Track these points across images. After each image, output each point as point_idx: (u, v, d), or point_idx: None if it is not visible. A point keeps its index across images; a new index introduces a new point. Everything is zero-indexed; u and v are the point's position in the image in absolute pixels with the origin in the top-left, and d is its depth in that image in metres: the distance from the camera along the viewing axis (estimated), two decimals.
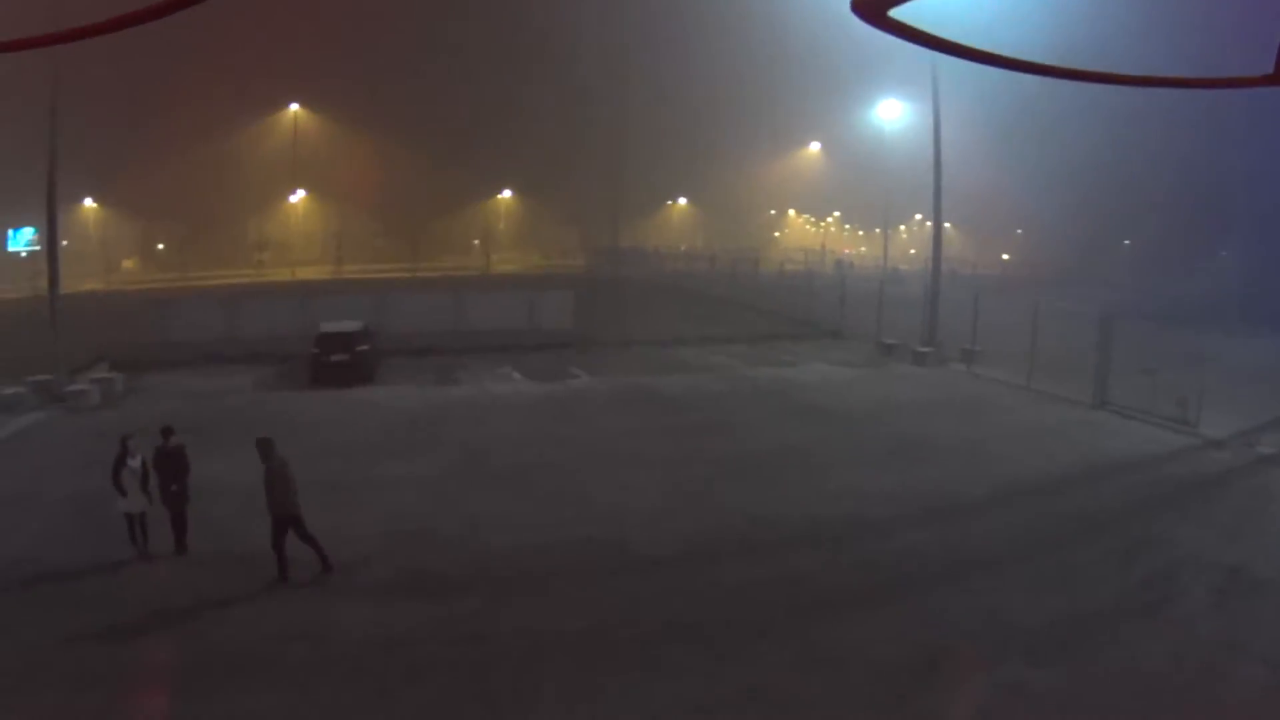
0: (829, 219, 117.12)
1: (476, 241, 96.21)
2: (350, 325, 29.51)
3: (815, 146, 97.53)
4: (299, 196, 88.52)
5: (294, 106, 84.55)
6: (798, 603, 12.84)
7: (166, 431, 14.42)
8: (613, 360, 32.42)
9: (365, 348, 28.99)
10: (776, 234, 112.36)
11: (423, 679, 10.73)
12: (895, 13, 3.64)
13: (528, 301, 37.27)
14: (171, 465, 14.14)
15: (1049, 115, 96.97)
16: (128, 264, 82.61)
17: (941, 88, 33.62)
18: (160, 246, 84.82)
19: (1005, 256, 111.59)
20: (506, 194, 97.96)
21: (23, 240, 70.19)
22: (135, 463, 13.95)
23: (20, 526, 15.56)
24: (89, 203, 78.77)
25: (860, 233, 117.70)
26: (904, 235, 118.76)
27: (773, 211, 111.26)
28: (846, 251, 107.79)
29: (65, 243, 77.03)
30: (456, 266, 79.43)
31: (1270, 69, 4.01)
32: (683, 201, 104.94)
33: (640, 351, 34.31)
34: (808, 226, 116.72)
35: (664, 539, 15.20)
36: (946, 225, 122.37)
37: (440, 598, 12.92)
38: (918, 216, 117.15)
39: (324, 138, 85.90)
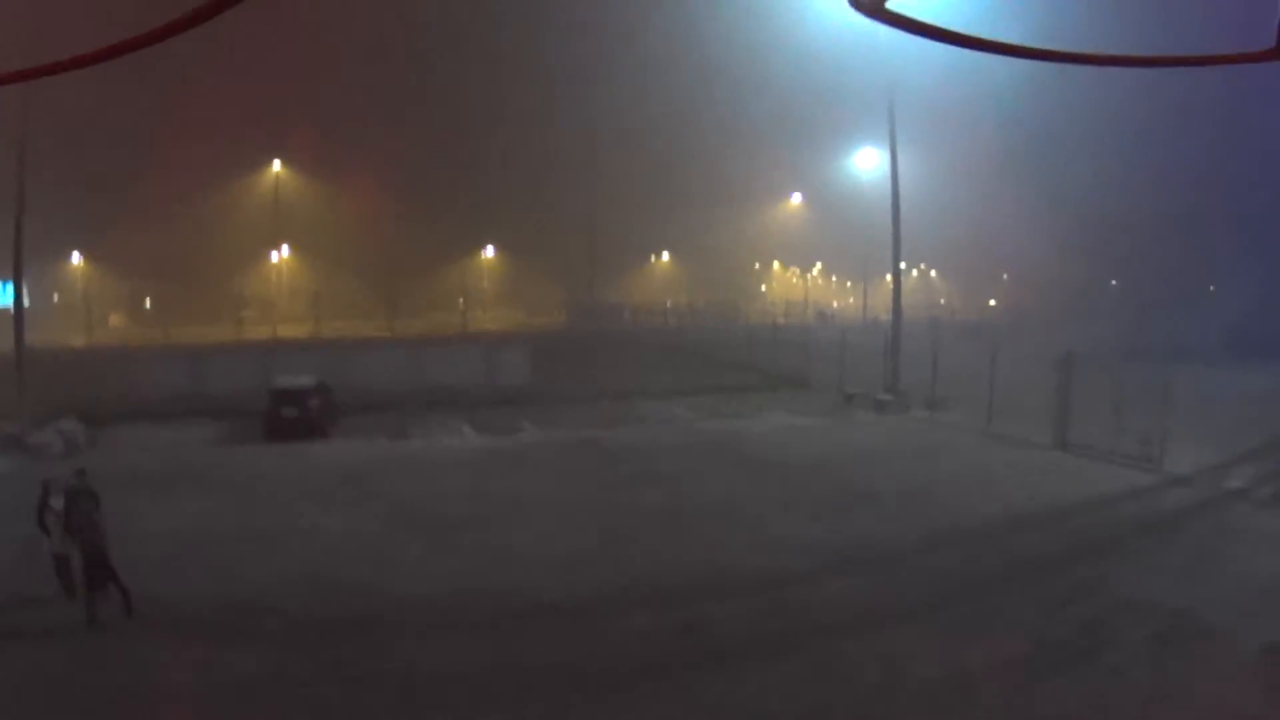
0: (814, 270, 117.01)
1: (461, 300, 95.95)
2: (304, 381, 29.46)
3: (797, 198, 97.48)
4: (284, 254, 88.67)
5: (276, 165, 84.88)
6: (693, 652, 12.20)
7: (79, 473, 14.45)
8: (568, 414, 31.80)
9: (317, 403, 28.83)
10: (764, 287, 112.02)
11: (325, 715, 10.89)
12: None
13: (485, 357, 36.54)
14: (83, 504, 13.96)
15: (1033, 156, 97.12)
16: (114, 320, 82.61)
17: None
18: (148, 303, 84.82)
19: (991, 302, 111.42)
20: (489, 252, 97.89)
21: (7, 295, 68.83)
22: (58, 504, 13.91)
23: None
24: (76, 259, 79.68)
25: (849, 283, 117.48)
26: (890, 284, 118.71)
27: (757, 265, 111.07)
28: (834, 304, 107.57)
29: (56, 297, 78.40)
30: (436, 325, 78.84)
31: (1271, 43, 3.79)
32: (665, 257, 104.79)
33: (599, 405, 33.68)
34: (794, 279, 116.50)
35: (574, 588, 14.68)
36: (932, 273, 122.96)
37: (331, 643, 12.71)
38: (902, 264, 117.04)
39: (306, 196, 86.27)
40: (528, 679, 11.51)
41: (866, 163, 72.41)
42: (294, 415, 28.16)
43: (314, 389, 29.33)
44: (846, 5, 3.53)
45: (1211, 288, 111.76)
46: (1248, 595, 13.66)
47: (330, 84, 79.40)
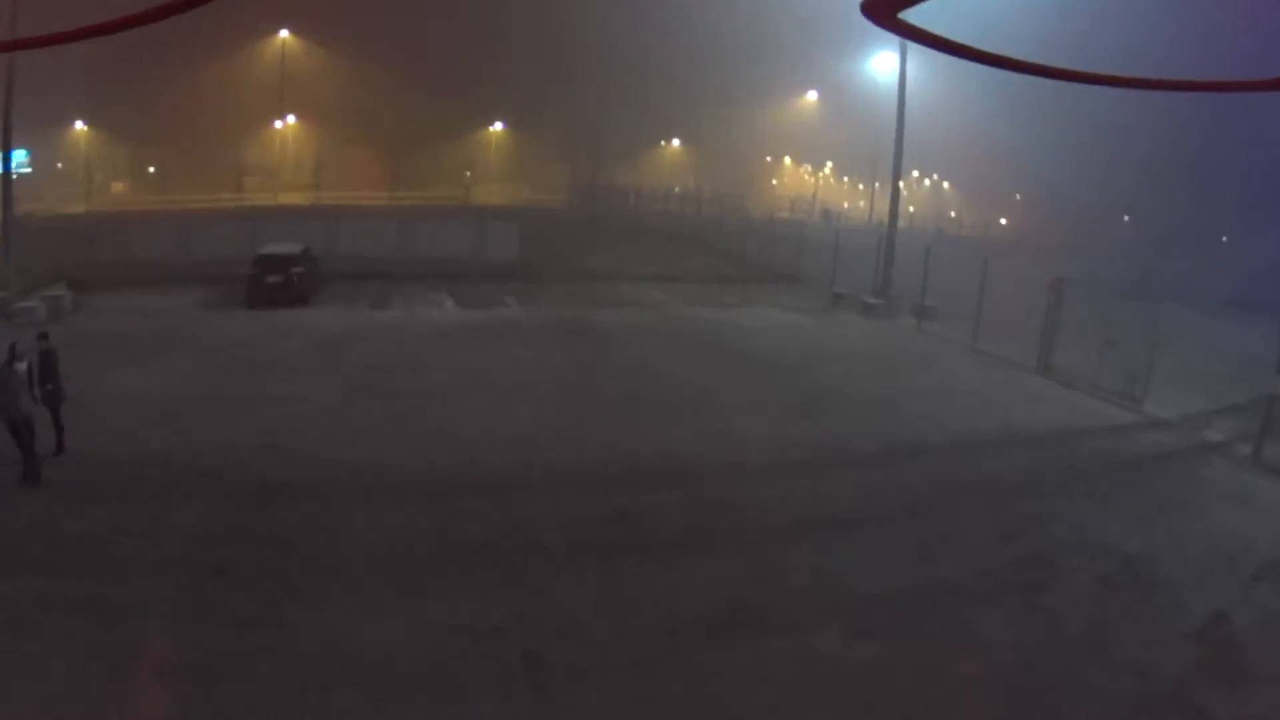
0: (825, 169, 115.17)
1: (468, 173, 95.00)
2: (288, 248, 29.43)
3: (813, 95, 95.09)
4: (289, 122, 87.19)
5: (284, 33, 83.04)
6: (622, 540, 12.02)
7: (42, 336, 15.01)
8: (553, 292, 31.36)
9: (300, 270, 28.70)
10: (774, 181, 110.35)
11: (226, 576, 10.80)
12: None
13: (475, 231, 35.90)
14: (46, 366, 14.49)
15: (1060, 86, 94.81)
16: (118, 187, 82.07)
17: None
18: (151, 170, 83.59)
19: (1002, 221, 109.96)
20: (498, 126, 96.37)
21: (15, 162, 67.96)
22: (21, 366, 14.00)
23: None
24: (80, 125, 77.79)
25: (860, 185, 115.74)
26: (903, 191, 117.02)
27: (769, 158, 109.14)
28: (845, 205, 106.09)
29: (60, 165, 77.48)
30: (439, 196, 77.81)
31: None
32: (676, 143, 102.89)
33: (586, 285, 33.21)
34: (806, 176, 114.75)
35: (518, 466, 14.60)
36: (944, 184, 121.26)
37: (260, 508, 12.78)
38: (914, 173, 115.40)
39: (314, 65, 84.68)
40: (442, 553, 11.42)
41: (884, 66, 70.62)
42: (276, 282, 28.15)
43: (298, 256, 29.26)
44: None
45: (1224, 237, 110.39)
46: (1206, 553, 12.93)
47: None
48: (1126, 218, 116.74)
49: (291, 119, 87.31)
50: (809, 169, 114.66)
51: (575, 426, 16.77)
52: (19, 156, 71.46)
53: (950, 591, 11.06)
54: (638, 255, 41.26)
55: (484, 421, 16.79)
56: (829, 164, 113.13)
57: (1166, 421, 20.43)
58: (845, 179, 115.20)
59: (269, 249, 29.20)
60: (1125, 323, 22.20)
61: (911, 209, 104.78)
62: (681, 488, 13.87)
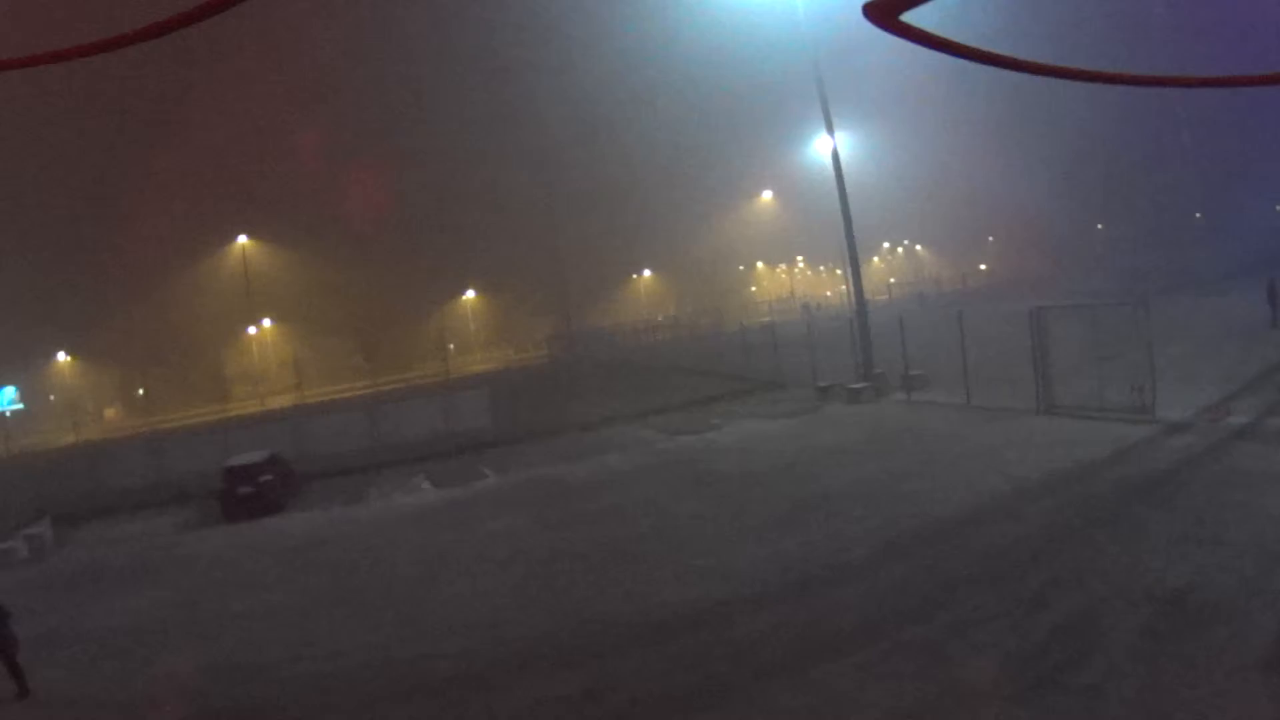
0: (797, 264, 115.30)
1: (451, 346, 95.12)
2: (255, 456, 28.97)
3: (768, 195, 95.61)
4: (264, 325, 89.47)
5: (242, 239, 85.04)
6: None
7: None
8: (532, 453, 30.15)
9: (269, 477, 28.13)
10: (753, 288, 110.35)
11: None
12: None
13: (442, 406, 35.05)
14: None
15: (1007, 117, 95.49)
16: (110, 413, 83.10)
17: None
18: (140, 391, 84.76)
19: (982, 267, 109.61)
20: (470, 294, 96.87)
21: (5, 399, 69.41)
22: None
23: None
24: (62, 357, 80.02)
25: (838, 271, 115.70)
26: (879, 265, 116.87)
27: (741, 267, 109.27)
28: (828, 293, 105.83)
29: (52, 397, 78.10)
30: (424, 374, 77.39)
31: None
32: (647, 273, 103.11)
33: (565, 439, 32.13)
34: (782, 275, 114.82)
35: (477, 654, 13.18)
36: (917, 248, 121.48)
37: None
38: (885, 245, 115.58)
39: (278, 264, 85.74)
40: None
41: (826, 147, 70.82)
42: (248, 492, 27.53)
43: (265, 463, 28.67)
44: (861, 17, 3.48)
45: (1198, 214, 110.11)
46: (1258, 559, 11.59)
47: (289, 146, 79.03)
48: (1100, 225, 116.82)
49: (267, 322, 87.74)
50: (784, 267, 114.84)
51: (539, 594, 15.39)
52: (8, 394, 72.74)
53: (971, 699, 9.45)
54: (618, 395, 40.37)
55: (445, 609, 15.53)
56: (800, 259, 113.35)
57: (1184, 423, 19.44)
58: (822, 269, 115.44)
59: (236, 460, 28.78)
60: (1119, 330, 21.21)
61: (892, 280, 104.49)
62: (653, 644, 12.28)
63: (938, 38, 3.63)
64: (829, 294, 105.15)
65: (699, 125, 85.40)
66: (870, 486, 18.89)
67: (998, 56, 3.81)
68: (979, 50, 3.78)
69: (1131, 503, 15.15)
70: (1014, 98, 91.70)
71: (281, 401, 74.34)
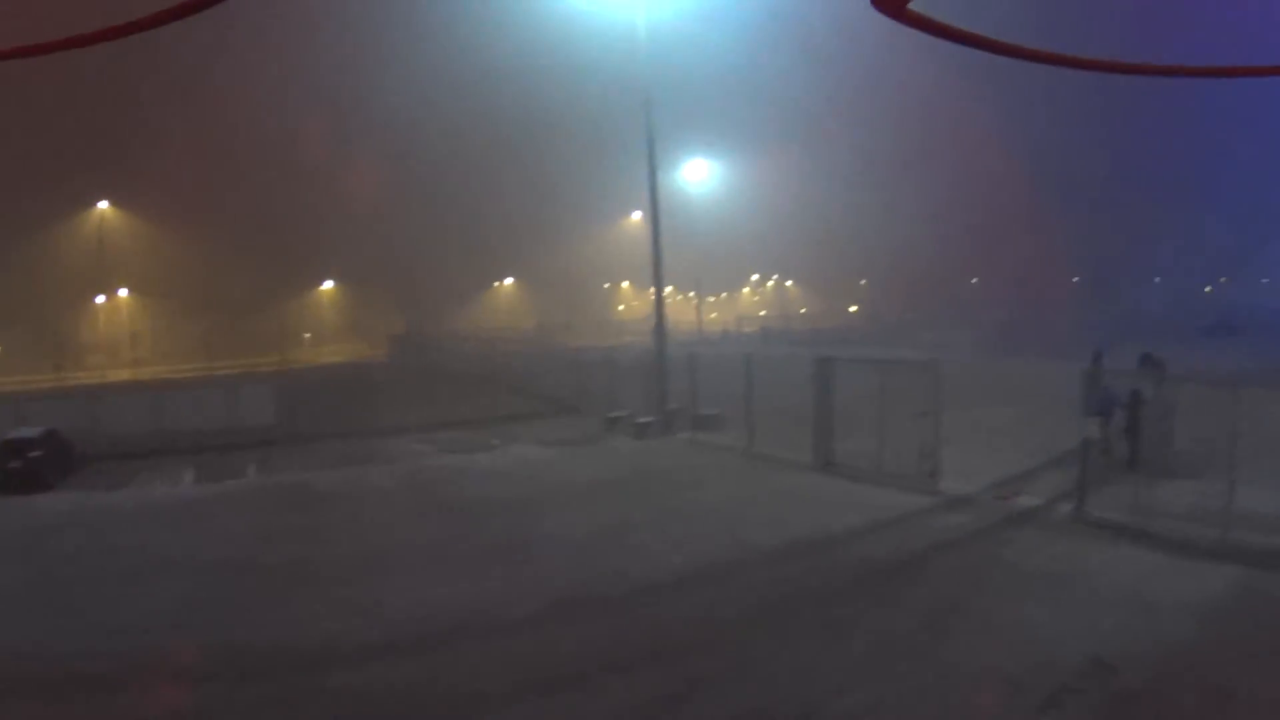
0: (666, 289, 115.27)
1: (307, 335, 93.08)
2: (31, 431, 28.58)
3: (637, 215, 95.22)
4: (119, 296, 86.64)
5: (103, 204, 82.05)
6: None
7: None
8: (306, 455, 29.19)
9: (40, 454, 27.59)
10: (621, 307, 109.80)
11: None
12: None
13: (226, 398, 33.70)
14: None
15: (895, 160, 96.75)
16: None
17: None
18: None
19: (853, 309, 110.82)
20: (328, 285, 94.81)
21: None
22: None
23: None
24: None
25: (712, 299, 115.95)
26: (753, 297, 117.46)
27: (606, 285, 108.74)
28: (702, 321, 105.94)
29: None
30: (262, 362, 75.07)
31: None
32: (509, 281, 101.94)
33: (350, 444, 31.01)
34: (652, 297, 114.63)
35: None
36: (787, 283, 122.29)
37: None
38: (755, 276, 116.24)
39: (139, 236, 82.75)
40: None
41: (695, 175, 70.72)
42: (16, 467, 26.98)
43: (40, 439, 28.21)
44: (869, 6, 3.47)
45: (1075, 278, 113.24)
46: (964, 691, 10.13)
47: (158, 120, 76.79)
48: (974, 280, 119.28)
49: (124, 293, 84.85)
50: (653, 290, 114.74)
51: (207, 609, 14.29)
52: None
53: None
54: (424, 403, 39.39)
55: (77, 629, 13.78)
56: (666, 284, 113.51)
57: (966, 498, 18.25)
58: (693, 294, 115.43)
59: (10, 435, 28.18)
60: (915, 388, 20.13)
61: (763, 313, 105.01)
62: (276, 680, 11.31)
63: (948, 27, 3.67)
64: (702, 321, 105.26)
65: (576, 142, 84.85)
66: (592, 534, 17.68)
67: (1009, 46, 3.95)
68: (990, 39, 3.87)
69: (857, 591, 13.64)
70: (905, 142, 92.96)
71: (121, 375, 72.02)
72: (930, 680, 10.23)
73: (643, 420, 29.73)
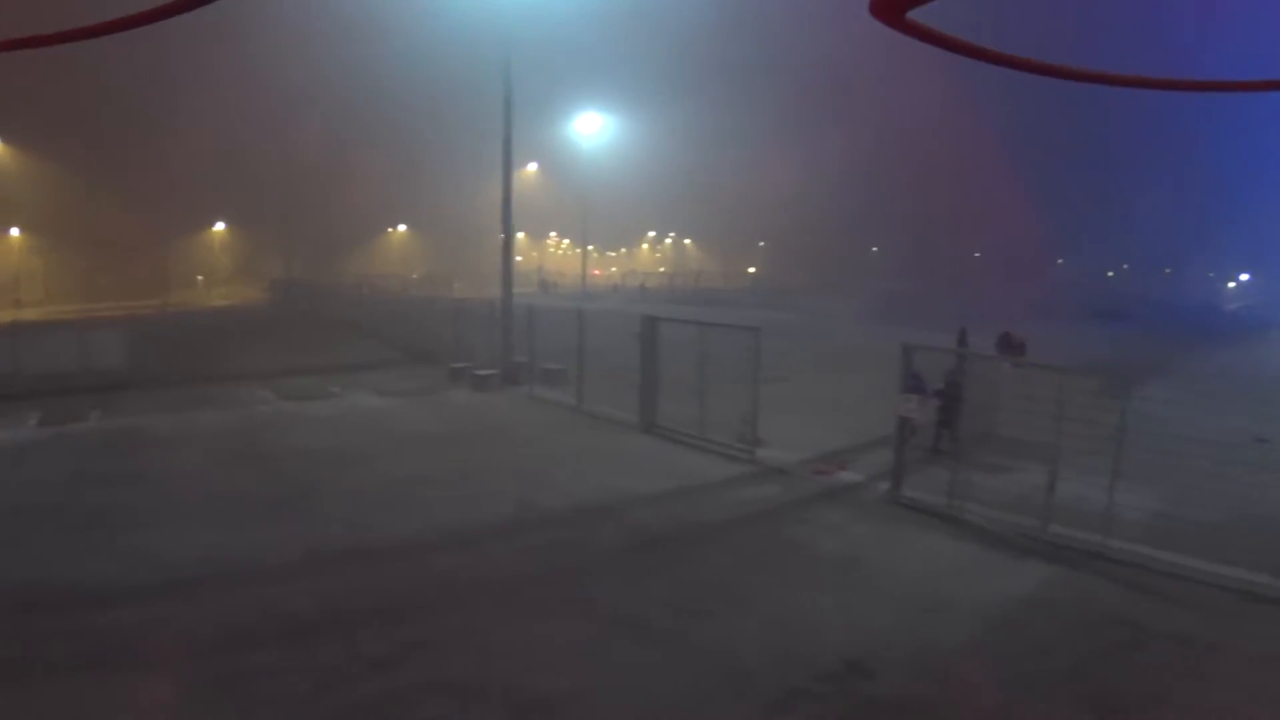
0: (556, 240, 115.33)
1: (200, 278, 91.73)
2: None
3: (533, 166, 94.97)
4: (10, 235, 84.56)
5: None
6: None
7: None
8: (152, 401, 28.92)
9: None
10: (519, 258, 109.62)
11: None
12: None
13: (78, 341, 33.35)
14: None
15: (802, 125, 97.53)
16: None
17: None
18: None
19: (751, 270, 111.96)
20: (220, 227, 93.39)
21: None
22: None
23: None
24: None
25: (611, 253, 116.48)
26: (653, 254, 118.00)
27: (502, 236, 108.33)
28: (596, 272, 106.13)
29: None
30: (146, 305, 73.81)
31: None
32: (402, 228, 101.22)
33: (200, 390, 30.89)
34: (555, 250, 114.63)
35: None
36: (686, 241, 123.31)
37: None
38: (651, 233, 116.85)
39: (31, 172, 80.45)
40: None
41: (588, 128, 70.94)
42: None
43: None
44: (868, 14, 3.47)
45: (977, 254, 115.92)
46: (723, 674, 9.78)
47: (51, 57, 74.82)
48: (875, 249, 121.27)
49: (15, 231, 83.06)
50: (555, 239, 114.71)
51: None
52: None
53: None
54: (283, 349, 39.61)
55: None
56: (553, 234, 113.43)
57: (781, 468, 18.32)
58: (591, 248, 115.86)
59: None
60: (794, 353, 20.11)
61: (662, 270, 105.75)
62: (62, 615, 11.78)
63: (944, 36, 3.67)
64: (597, 273, 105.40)
65: (475, 92, 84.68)
66: (384, 488, 18.00)
67: (1004, 56, 3.98)
68: (986, 49, 3.89)
69: (625, 563, 13.30)
70: (812, 106, 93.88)
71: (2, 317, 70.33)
72: (653, 669, 9.82)
73: (483, 373, 30.39)
